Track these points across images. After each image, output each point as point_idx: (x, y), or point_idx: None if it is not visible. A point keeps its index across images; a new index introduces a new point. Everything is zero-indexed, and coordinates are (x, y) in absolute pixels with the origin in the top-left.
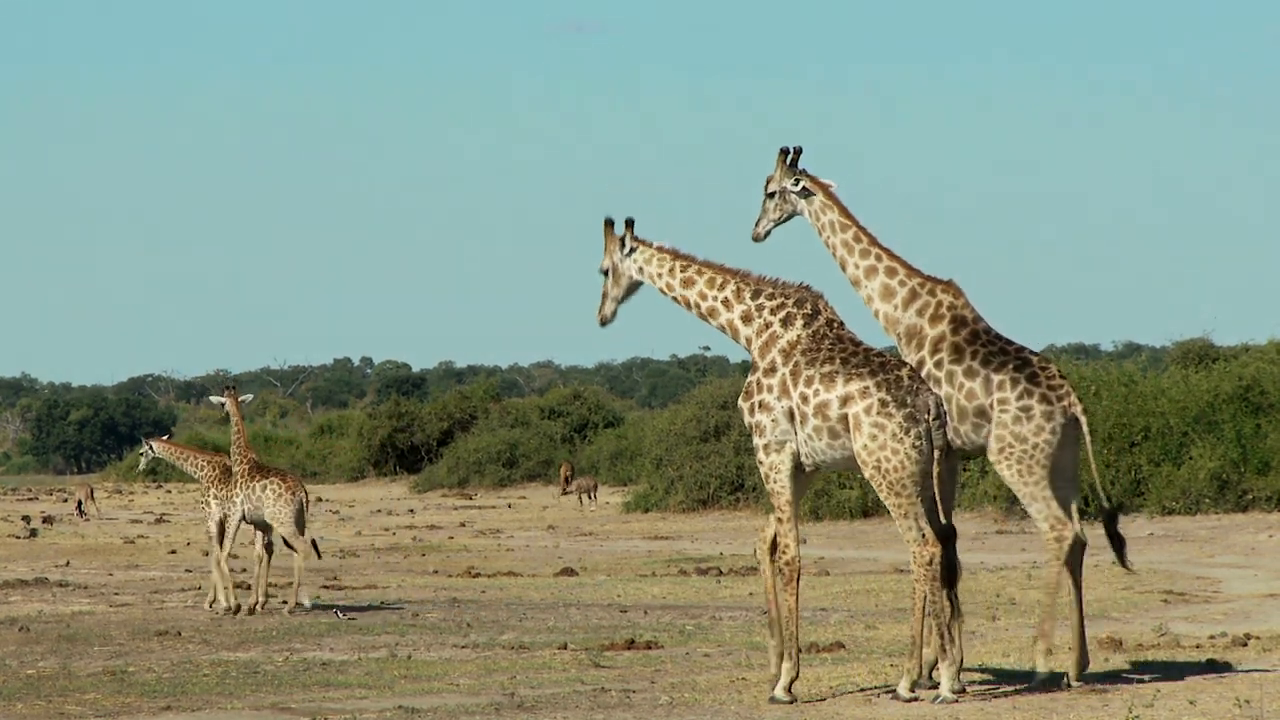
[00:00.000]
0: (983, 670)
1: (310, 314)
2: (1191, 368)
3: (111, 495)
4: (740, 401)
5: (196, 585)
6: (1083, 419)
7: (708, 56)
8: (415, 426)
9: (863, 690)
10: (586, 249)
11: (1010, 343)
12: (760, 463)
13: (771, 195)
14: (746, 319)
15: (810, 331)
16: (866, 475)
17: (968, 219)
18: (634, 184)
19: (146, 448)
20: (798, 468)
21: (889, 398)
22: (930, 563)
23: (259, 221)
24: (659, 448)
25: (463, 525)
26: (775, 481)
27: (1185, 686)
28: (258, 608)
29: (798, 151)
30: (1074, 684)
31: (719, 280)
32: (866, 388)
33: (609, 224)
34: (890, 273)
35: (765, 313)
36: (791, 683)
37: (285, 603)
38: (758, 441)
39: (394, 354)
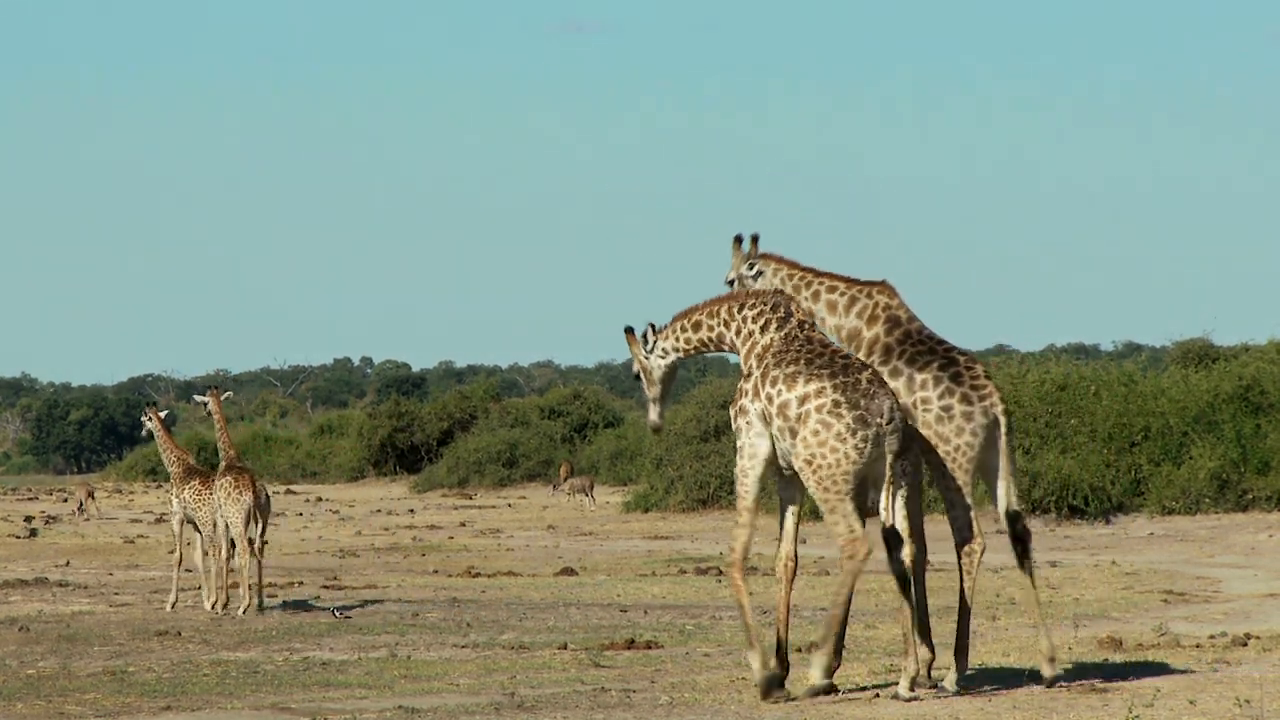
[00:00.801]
0: (983, 670)
1: (310, 314)
2: (1191, 368)
3: (111, 495)
4: (730, 408)
5: (196, 585)
6: (1003, 420)
7: (708, 57)
8: (415, 426)
9: (863, 690)
10: (586, 249)
11: (940, 342)
12: (737, 464)
13: (730, 284)
14: (737, 332)
15: (783, 334)
16: (797, 467)
17: (967, 219)
18: (634, 184)
19: (147, 416)
20: (778, 470)
21: (842, 399)
22: (853, 557)
23: (258, 221)
24: (659, 448)
25: (463, 525)
26: (742, 485)
27: (1185, 686)
28: (248, 606)
29: (754, 239)
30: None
31: (714, 309)
32: (823, 388)
33: (629, 332)
34: (830, 289)
35: (748, 322)
36: (771, 682)
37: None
38: (737, 444)
39: (394, 354)
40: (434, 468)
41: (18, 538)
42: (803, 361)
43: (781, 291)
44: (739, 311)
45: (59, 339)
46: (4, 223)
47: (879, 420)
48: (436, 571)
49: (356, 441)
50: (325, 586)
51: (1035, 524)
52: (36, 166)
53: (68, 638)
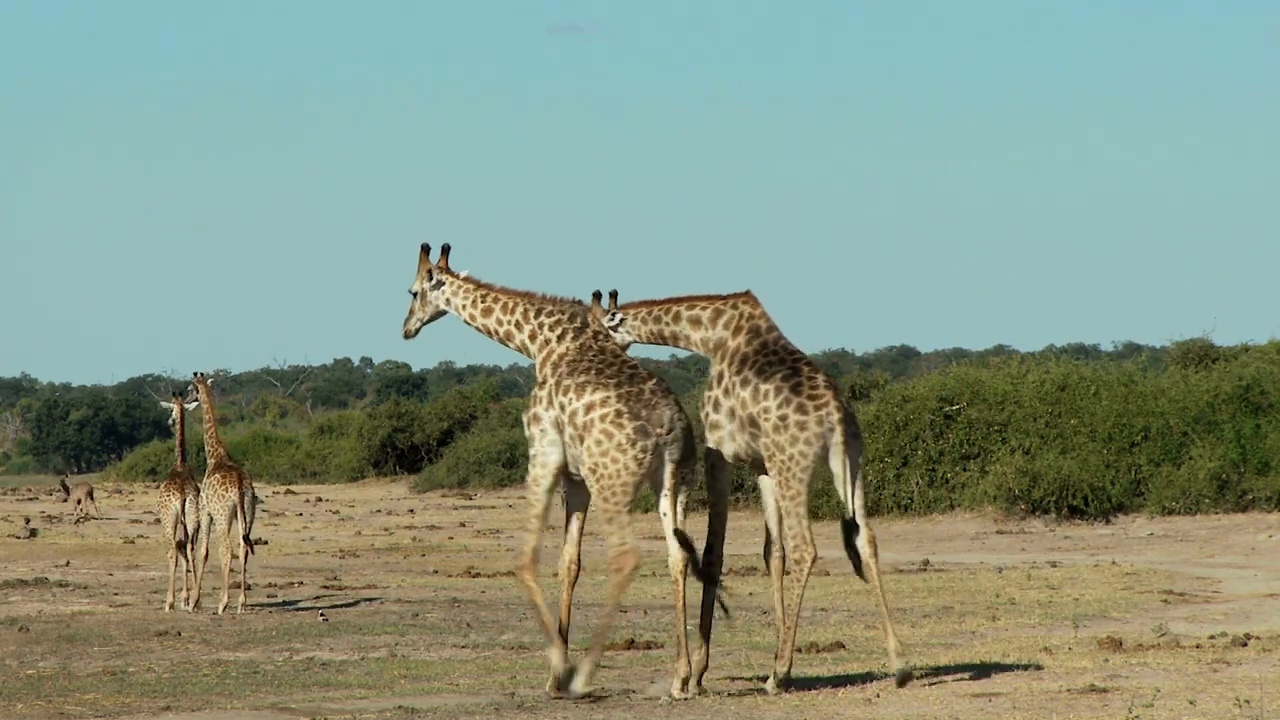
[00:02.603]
0: (983, 670)
1: (310, 314)
2: (1191, 368)
3: (111, 495)
4: (522, 414)
5: (213, 586)
6: (839, 429)
7: (708, 57)
8: (415, 426)
9: (862, 690)
10: (585, 249)
11: (792, 353)
12: (529, 473)
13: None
14: (532, 337)
15: (578, 344)
16: (583, 474)
17: (967, 220)
18: (633, 183)
19: (173, 405)
20: (569, 478)
21: (624, 409)
22: (621, 570)
23: (258, 222)
24: None
25: (463, 525)
26: (533, 493)
27: (1185, 686)
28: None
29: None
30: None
31: (510, 304)
32: (607, 397)
33: (425, 250)
34: (690, 306)
35: (545, 329)
36: (570, 675)
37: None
38: (530, 452)
39: (394, 354)
40: (434, 468)
41: (18, 538)
42: (593, 371)
43: (580, 302)
44: (534, 317)
45: (59, 339)
46: (4, 223)
47: (659, 430)
48: (436, 571)
49: (356, 442)
50: (325, 587)
51: (1035, 524)
52: (36, 166)
53: (68, 638)
